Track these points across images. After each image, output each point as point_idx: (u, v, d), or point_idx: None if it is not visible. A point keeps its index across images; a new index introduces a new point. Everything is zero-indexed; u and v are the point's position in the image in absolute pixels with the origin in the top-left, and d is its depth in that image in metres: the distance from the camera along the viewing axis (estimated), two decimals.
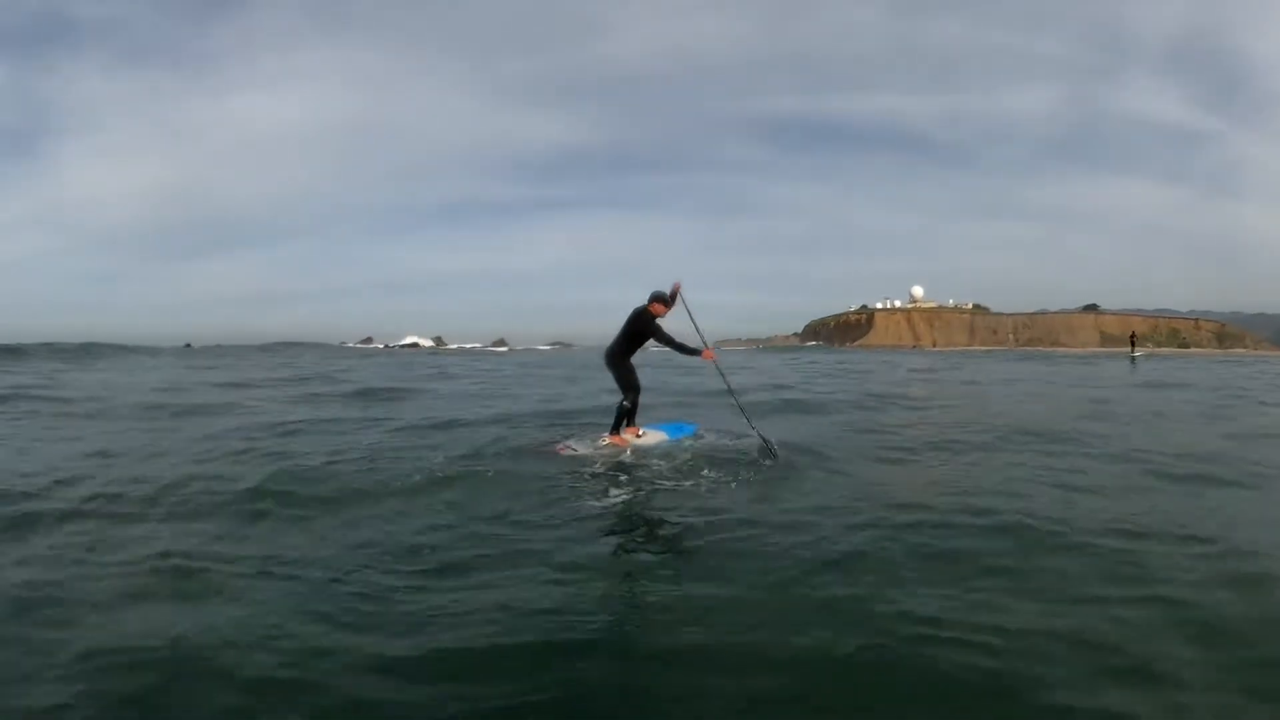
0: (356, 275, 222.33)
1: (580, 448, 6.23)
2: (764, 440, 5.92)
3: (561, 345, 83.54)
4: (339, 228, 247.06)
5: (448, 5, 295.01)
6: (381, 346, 75.37)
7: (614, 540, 3.94)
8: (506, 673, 2.44)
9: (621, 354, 6.33)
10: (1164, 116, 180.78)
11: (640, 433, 6.46)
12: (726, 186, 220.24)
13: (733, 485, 5.07)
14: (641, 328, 6.19)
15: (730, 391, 6.33)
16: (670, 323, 6.23)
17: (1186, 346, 79.52)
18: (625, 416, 6.35)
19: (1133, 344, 34.98)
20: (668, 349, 6.29)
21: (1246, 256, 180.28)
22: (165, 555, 3.53)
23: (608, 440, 6.32)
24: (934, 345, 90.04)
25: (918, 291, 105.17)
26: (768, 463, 5.68)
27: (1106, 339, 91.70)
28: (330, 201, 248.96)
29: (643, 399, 6.45)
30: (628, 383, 6.31)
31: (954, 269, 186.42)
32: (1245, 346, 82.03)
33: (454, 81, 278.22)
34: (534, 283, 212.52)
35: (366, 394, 12.90)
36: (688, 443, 6.42)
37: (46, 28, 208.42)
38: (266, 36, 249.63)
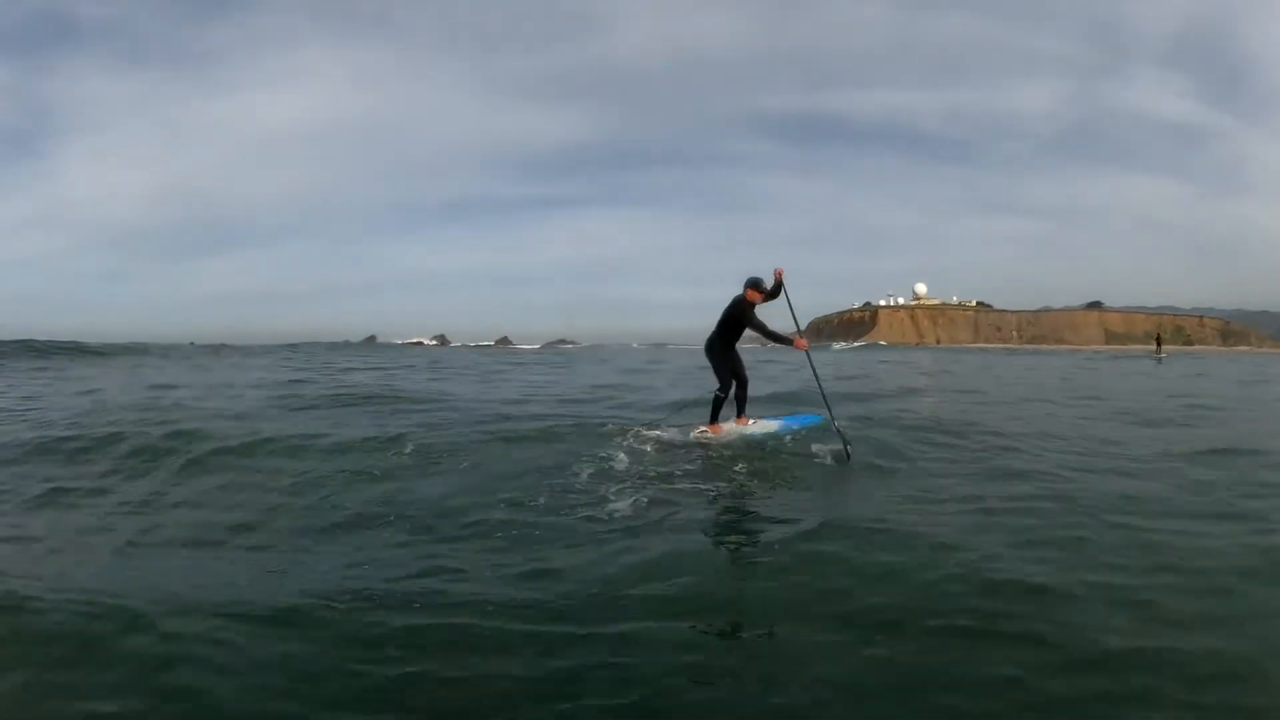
0: (359, 274, 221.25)
1: (667, 434, 6.17)
2: (843, 440, 5.55)
3: (571, 343, 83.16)
4: (341, 226, 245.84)
5: (448, 3, 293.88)
6: (400, 344, 74.96)
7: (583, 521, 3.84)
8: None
9: (718, 344, 6.18)
10: (1167, 112, 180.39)
11: (750, 422, 6.28)
12: (729, 183, 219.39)
13: (769, 481, 4.94)
14: (738, 315, 6.03)
15: (817, 380, 6.12)
16: (765, 310, 6.08)
17: (1191, 344, 79.75)
18: (720, 405, 6.21)
19: (1159, 344, 35.15)
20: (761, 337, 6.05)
21: (1250, 253, 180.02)
22: None
23: (704, 429, 6.18)
24: (938, 342, 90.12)
25: (921, 289, 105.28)
26: (839, 463, 5.36)
27: (1111, 336, 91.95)
28: (332, 200, 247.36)
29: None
30: (721, 372, 6.17)
31: (957, 266, 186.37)
32: (1250, 344, 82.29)
33: (455, 79, 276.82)
34: (536, 281, 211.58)
35: None
36: (800, 433, 6.21)
37: (48, 28, 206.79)
38: (268, 36, 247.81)
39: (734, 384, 6.23)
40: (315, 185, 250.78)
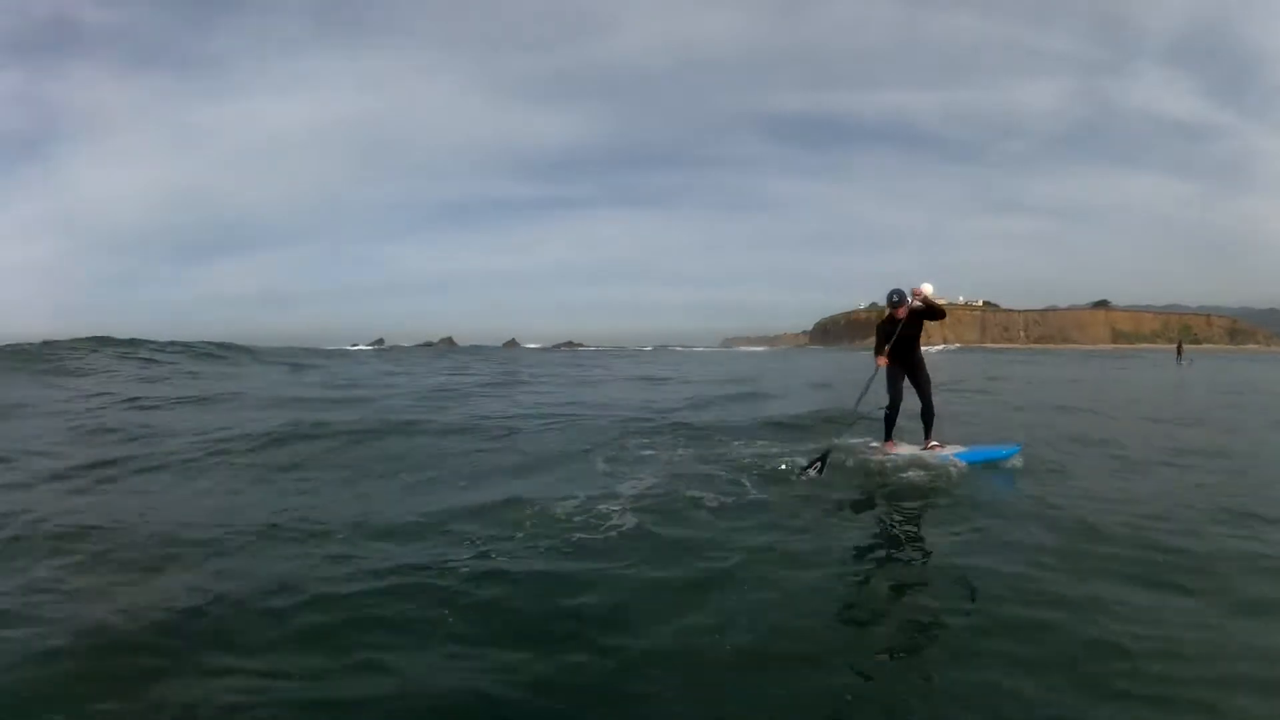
0: (364, 276, 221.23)
1: (842, 441, 6.10)
2: (823, 452, 5.53)
3: (572, 344, 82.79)
4: (347, 229, 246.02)
5: (453, 5, 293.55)
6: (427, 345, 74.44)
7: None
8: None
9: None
10: (1173, 110, 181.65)
11: (933, 445, 6.03)
12: (733, 183, 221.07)
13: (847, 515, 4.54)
14: (878, 329, 6.20)
15: (862, 394, 6.06)
16: None
17: (1198, 343, 79.83)
18: (891, 421, 6.12)
19: (1180, 350, 35.20)
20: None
21: (1256, 251, 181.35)
22: None
23: (878, 445, 6.14)
24: (945, 341, 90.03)
25: (927, 289, 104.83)
26: (808, 473, 5.35)
27: (1118, 335, 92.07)
28: (338, 202, 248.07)
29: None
30: (891, 387, 6.10)
31: (963, 265, 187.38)
32: (1257, 343, 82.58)
33: (460, 81, 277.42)
34: (542, 282, 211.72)
35: None
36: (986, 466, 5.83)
37: (56, 34, 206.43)
38: (274, 40, 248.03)
39: (921, 404, 6.10)
40: (323, 188, 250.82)
